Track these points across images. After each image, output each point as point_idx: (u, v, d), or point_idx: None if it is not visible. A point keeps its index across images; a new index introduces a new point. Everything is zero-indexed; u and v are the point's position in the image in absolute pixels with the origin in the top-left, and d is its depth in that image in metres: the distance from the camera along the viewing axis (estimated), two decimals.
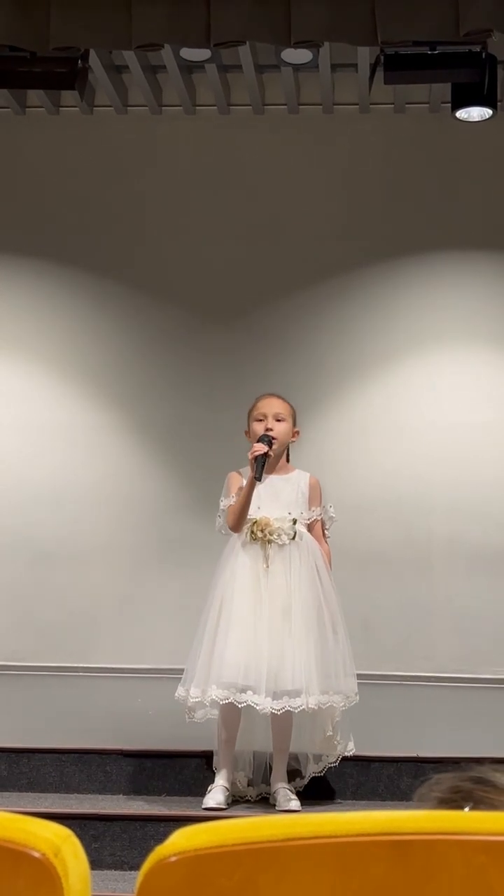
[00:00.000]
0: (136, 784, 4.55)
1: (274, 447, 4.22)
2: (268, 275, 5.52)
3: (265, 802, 4.27)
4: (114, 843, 3.91)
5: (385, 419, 5.42)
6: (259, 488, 4.18)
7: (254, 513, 4.20)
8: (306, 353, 5.46)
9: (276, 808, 4.15)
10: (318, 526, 4.30)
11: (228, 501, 4.23)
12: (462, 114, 5.07)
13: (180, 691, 4.16)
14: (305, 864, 0.80)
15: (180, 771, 4.52)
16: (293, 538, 4.19)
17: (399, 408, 5.43)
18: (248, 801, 4.30)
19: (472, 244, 5.51)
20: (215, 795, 4.12)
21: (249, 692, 3.99)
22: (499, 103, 5.09)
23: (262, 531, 4.18)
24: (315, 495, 4.31)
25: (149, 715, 5.06)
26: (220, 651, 4.06)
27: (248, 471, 4.23)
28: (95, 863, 3.65)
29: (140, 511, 5.42)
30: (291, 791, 4.20)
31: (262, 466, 4.14)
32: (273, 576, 4.14)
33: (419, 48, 4.56)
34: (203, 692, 4.06)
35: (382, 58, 4.64)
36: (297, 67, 5.28)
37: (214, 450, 5.30)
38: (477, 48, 4.65)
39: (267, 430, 4.24)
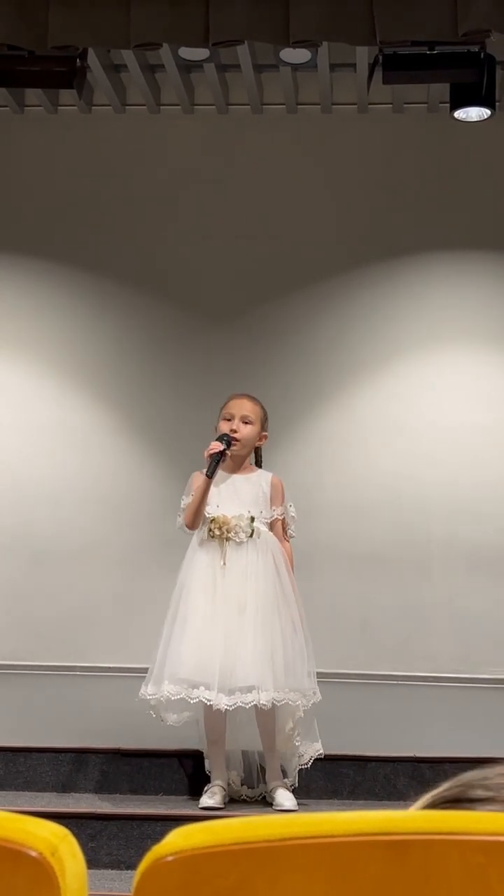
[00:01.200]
0: (133, 783, 4.55)
1: (233, 448, 4.23)
2: (266, 275, 5.52)
3: (261, 802, 4.27)
4: (110, 843, 3.91)
5: (384, 420, 5.42)
6: (220, 487, 4.20)
7: (212, 511, 4.21)
8: (305, 353, 5.46)
9: (273, 806, 4.15)
10: (279, 525, 4.32)
11: (187, 500, 4.25)
12: (460, 114, 5.07)
13: (142, 690, 4.18)
14: (302, 863, 0.79)
15: (177, 770, 4.52)
16: (251, 536, 4.20)
17: (398, 409, 5.43)
18: (244, 801, 4.30)
19: (470, 244, 5.51)
20: (213, 795, 4.13)
21: (201, 688, 4.01)
22: (497, 103, 5.09)
23: (219, 529, 4.20)
24: (277, 494, 4.33)
25: (146, 714, 5.06)
26: (174, 648, 4.08)
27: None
28: (92, 862, 3.65)
29: (137, 511, 5.42)
30: (288, 789, 4.20)
31: (216, 464, 4.16)
32: (230, 573, 4.16)
33: (418, 48, 4.56)
34: (158, 689, 4.08)
35: (381, 58, 4.63)
36: (295, 67, 5.28)
37: None
38: (475, 48, 4.65)
39: (231, 430, 4.25)
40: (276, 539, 4.28)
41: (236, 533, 4.20)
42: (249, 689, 4.03)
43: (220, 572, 4.17)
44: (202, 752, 4.37)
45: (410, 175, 5.55)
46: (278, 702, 4.08)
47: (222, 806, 4.11)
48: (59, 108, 5.67)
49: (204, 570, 4.18)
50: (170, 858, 0.81)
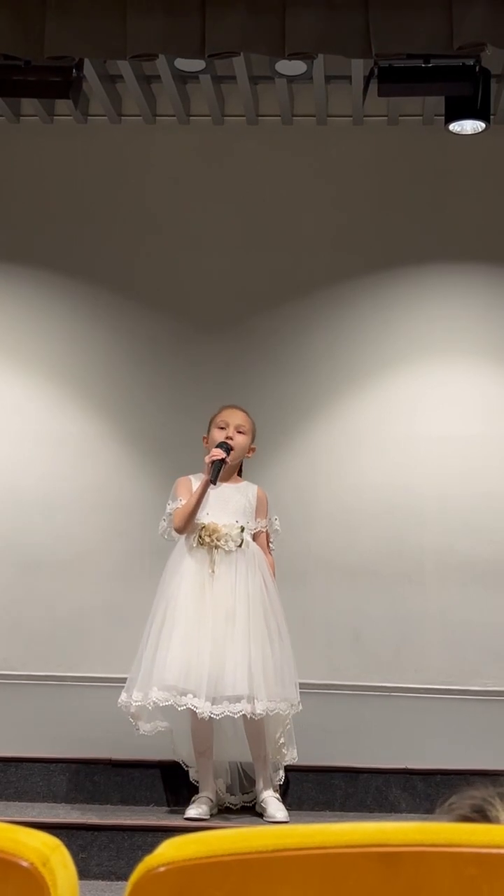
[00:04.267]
0: (124, 794, 4.54)
1: (231, 456, 4.26)
2: (260, 285, 5.53)
3: (248, 811, 4.27)
4: (101, 853, 3.90)
5: (376, 430, 5.42)
6: (209, 495, 4.21)
7: (202, 518, 4.23)
8: (298, 364, 5.47)
9: (265, 817, 4.15)
10: (262, 537, 4.35)
11: (175, 505, 4.27)
12: (455, 127, 5.09)
13: (123, 697, 4.17)
14: (295, 875, 0.79)
15: (168, 781, 4.51)
16: (240, 545, 4.22)
17: (391, 419, 5.43)
18: (230, 810, 4.29)
19: (464, 256, 5.52)
20: (199, 805, 4.12)
21: (190, 695, 4.00)
22: (492, 116, 5.10)
23: (209, 536, 4.21)
24: (262, 507, 4.36)
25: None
26: (162, 654, 4.08)
27: (199, 476, 4.28)
28: (83, 873, 3.63)
29: (130, 520, 5.41)
30: (279, 800, 4.20)
31: (218, 471, 4.18)
32: (218, 581, 4.17)
33: (413, 61, 4.58)
34: (145, 695, 4.07)
35: (376, 70, 4.65)
36: (291, 79, 5.29)
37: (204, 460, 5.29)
38: (470, 62, 4.67)
39: (227, 438, 4.28)
40: (261, 550, 4.31)
41: (226, 542, 4.21)
42: (238, 699, 4.03)
43: (209, 580, 4.17)
44: (179, 763, 4.37)
45: (405, 187, 5.57)
46: (271, 711, 4.08)
47: (208, 817, 4.11)
48: (55, 117, 5.68)
49: (192, 576, 4.18)
50: (162, 869, 0.81)
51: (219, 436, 4.32)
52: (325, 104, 5.48)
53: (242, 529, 4.26)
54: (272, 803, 4.17)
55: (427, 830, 0.82)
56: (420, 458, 5.37)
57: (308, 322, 5.50)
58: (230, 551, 4.21)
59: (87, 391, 5.50)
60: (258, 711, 4.03)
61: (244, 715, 4.04)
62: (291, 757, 4.26)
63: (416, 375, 5.46)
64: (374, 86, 4.73)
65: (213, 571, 4.18)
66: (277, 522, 4.40)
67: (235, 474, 4.40)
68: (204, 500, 4.22)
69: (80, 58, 4.69)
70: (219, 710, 4.02)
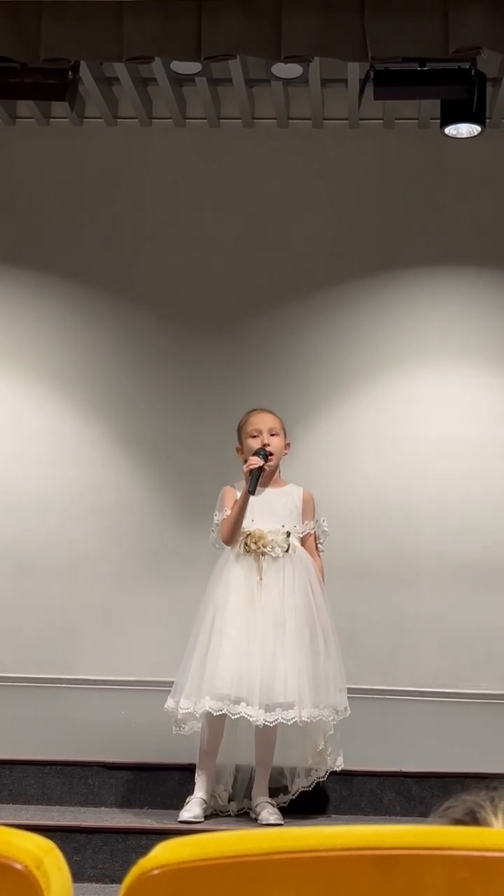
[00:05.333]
0: (119, 796, 4.53)
1: (270, 462, 4.23)
2: (256, 288, 5.53)
3: (246, 816, 4.26)
4: (95, 856, 3.89)
5: (373, 433, 5.43)
6: (253, 501, 4.18)
7: (248, 525, 4.19)
8: (294, 366, 5.47)
9: (258, 821, 4.14)
10: (311, 540, 4.31)
11: (222, 515, 4.23)
12: (451, 130, 5.09)
13: (170, 703, 4.14)
14: (289, 878, 0.79)
15: (163, 784, 4.51)
16: (287, 551, 4.19)
17: (388, 422, 5.44)
18: (228, 815, 4.28)
19: (460, 260, 5.53)
20: (192, 808, 4.11)
21: (243, 703, 3.98)
22: (487, 120, 5.11)
23: (255, 543, 4.18)
24: (308, 509, 4.32)
25: (132, 727, 5.05)
26: (212, 662, 4.05)
27: (242, 485, 4.23)
28: (77, 875, 3.62)
29: (126, 523, 5.41)
30: (273, 805, 4.19)
31: (256, 480, 4.14)
32: (266, 588, 4.14)
33: (409, 64, 4.58)
34: (195, 703, 4.05)
35: (372, 73, 4.66)
36: (287, 82, 5.30)
37: (202, 462, 5.30)
38: (466, 65, 4.68)
39: (264, 445, 4.25)
40: (308, 553, 4.28)
41: (272, 548, 4.19)
42: (291, 706, 4.01)
43: (257, 587, 4.15)
44: (187, 766, 4.35)
45: (400, 190, 5.57)
46: (315, 718, 4.08)
47: (201, 819, 4.09)
48: (51, 119, 5.68)
49: (240, 584, 4.15)
50: (156, 872, 0.81)
51: (254, 444, 4.27)
52: (320, 107, 5.48)
53: (289, 534, 4.23)
54: (266, 807, 4.16)
55: (421, 833, 0.83)
56: (417, 460, 5.37)
57: (305, 324, 5.50)
58: (277, 557, 4.19)
59: (84, 393, 5.50)
60: (304, 718, 4.03)
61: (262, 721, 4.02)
62: (337, 764, 4.24)
63: (414, 377, 5.46)
64: (369, 89, 4.73)
65: (260, 579, 4.15)
66: (325, 523, 4.36)
67: (277, 476, 4.37)
68: (249, 506, 4.19)
69: (76, 60, 4.69)
70: (272, 718, 4.01)
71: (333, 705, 4.14)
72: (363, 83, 4.84)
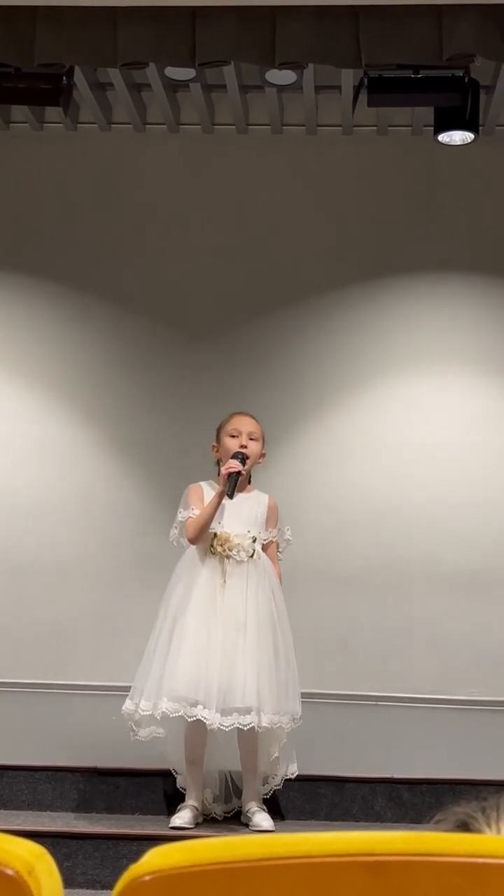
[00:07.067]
0: (110, 802, 4.52)
1: (247, 466, 4.23)
2: (249, 293, 5.53)
3: (234, 820, 4.26)
4: (86, 862, 3.88)
5: (365, 439, 5.43)
6: (223, 504, 4.19)
7: (215, 527, 4.20)
8: (287, 372, 5.47)
9: (250, 827, 4.13)
10: (272, 547, 4.33)
11: (188, 513, 4.22)
12: (444, 137, 5.11)
13: (128, 705, 4.13)
14: (280, 884, 0.79)
15: (154, 790, 4.50)
16: (251, 556, 4.20)
17: (379, 428, 5.44)
18: (215, 820, 4.28)
19: (452, 266, 5.54)
20: (183, 815, 4.10)
21: (200, 706, 3.97)
22: (481, 127, 5.13)
23: (221, 546, 4.18)
24: (272, 517, 4.34)
25: (124, 733, 5.04)
26: (172, 664, 4.04)
27: (210, 484, 4.24)
28: (67, 881, 3.62)
29: (117, 527, 5.41)
30: (265, 811, 4.18)
31: (234, 484, 4.14)
32: (229, 591, 4.14)
33: (403, 72, 4.59)
34: (154, 705, 4.04)
35: (366, 80, 4.67)
36: (281, 88, 5.31)
37: (192, 467, 5.28)
38: (460, 73, 4.69)
39: (241, 447, 4.24)
40: (269, 560, 4.29)
41: (238, 552, 4.19)
42: (248, 711, 4.00)
43: (220, 589, 4.14)
44: (170, 770, 4.35)
45: (394, 197, 5.58)
46: (275, 724, 4.07)
47: (192, 826, 4.09)
48: (45, 124, 5.68)
49: (203, 586, 4.15)
50: (147, 878, 0.81)
51: (231, 444, 4.27)
52: (314, 114, 5.49)
53: (254, 540, 4.24)
54: (258, 813, 4.16)
55: (412, 840, 0.83)
56: (409, 466, 5.37)
57: (298, 331, 5.51)
58: (242, 561, 4.19)
59: (76, 397, 5.50)
60: (263, 724, 4.02)
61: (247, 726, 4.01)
62: (291, 771, 4.24)
63: (406, 384, 5.47)
64: (363, 96, 4.74)
65: (224, 581, 4.15)
66: (289, 532, 4.37)
67: (247, 483, 4.37)
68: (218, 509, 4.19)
69: (70, 65, 4.69)
70: (228, 722, 3.99)
71: (290, 712, 4.14)
72: (357, 90, 4.85)
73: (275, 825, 4.14)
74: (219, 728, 3.98)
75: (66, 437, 5.47)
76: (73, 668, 5.24)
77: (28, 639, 5.27)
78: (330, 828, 4.38)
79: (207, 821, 4.25)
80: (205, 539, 4.18)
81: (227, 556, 4.17)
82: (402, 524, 5.33)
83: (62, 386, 5.51)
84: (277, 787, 4.29)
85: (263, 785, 4.28)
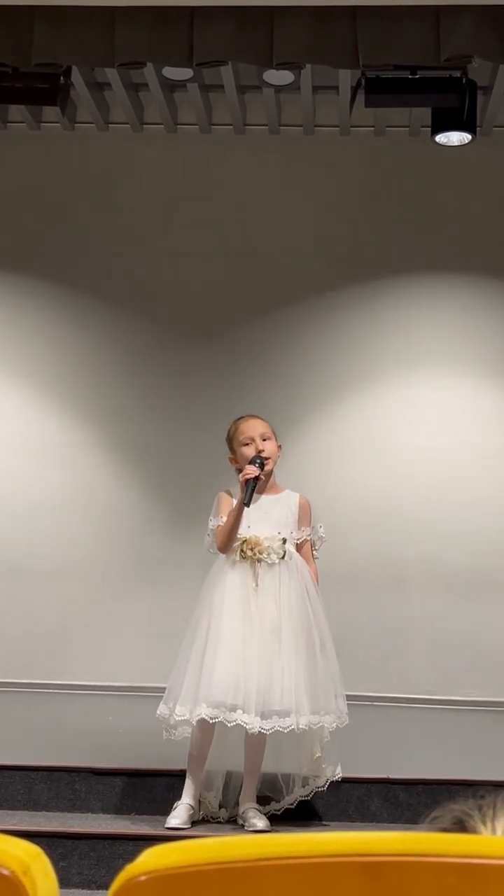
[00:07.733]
0: (106, 802, 4.52)
1: (267, 467, 4.22)
2: (247, 294, 5.53)
3: (235, 823, 4.25)
4: (82, 862, 3.88)
5: (363, 440, 5.43)
6: (251, 508, 4.16)
7: (244, 531, 4.17)
8: (285, 372, 5.47)
9: (246, 828, 4.13)
10: (307, 546, 4.30)
11: (217, 521, 4.20)
12: (441, 138, 5.11)
13: (163, 709, 4.11)
14: (277, 884, 0.79)
15: (150, 790, 4.50)
16: (283, 557, 4.18)
17: (378, 429, 5.44)
18: (218, 822, 4.27)
19: (450, 267, 5.54)
20: (178, 814, 4.09)
21: (239, 711, 3.97)
22: (478, 128, 5.13)
23: (251, 550, 4.16)
24: (305, 516, 4.31)
25: (120, 733, 5.03)
26: (208, 669, 4.02)
27: (237, 491, 4.21)
28: (63, 881, 3.61)
29: (115, 528, 5.40)
30: (261, 811, 4.17)
31: (251, 491, 4.11)
32: (262, 594, 4.13)
33: (400, 72, 4.59)
34: (191, 711, 4.02)
35: (363, 81, 4.67)
36: (278, 89, 5.31)
37: (191, 468, 5.29)
38: (457, 73, 4.69)
39: (259, 451, 4.22)
40: (303, 560, 4.26)
41: (268, 554, 4.17)
42: (287, 713, 3.99)
43: (253, 594, 4.13)
44: (175, 772, 4.34)
45: (391, 197, 5.59)
46: (314, 725, 4.06)
47: (187, 826, 4.08)
48: (43, 124, 5.68)
49: (235, 591, 4.13)
50: (143, 878, 0.80)
51: (248, 452, 4.24)
52: (312, 114, 5.49)
53: (285, 541, 4.22)
54: (253, 813, 4.15)
55: (409, 840, 0.82)
56: (406, 467, 5.37)
57: (295, 332, 5.51)
58: (273, 564, 4.17)
59: (73, 399, 5.50)
60: (301, 725, 4.01)
61: (251, 728, 4.00)
62: (334, 773, 4.21)
63: (404, 385, 5.47)
64: (361, 96, 4.74)
65: (256, 585, 4.14)
66: (322, 530, 4.34)
67: (273, 482, 4.34)
68: (245, 512, 4.16)
69: (68, 65, 4.69)
70: (269, 726, 3.99)
71: (333, 712, 4.12)
72: (354, 90, 4.85)
73: (270, 826, 4.14)
74: (260, 731, 3.97)
75: (66, 438, 5.47)
76: (70, 668, 5.24)
77: (25, 639, 5.26)
78: (326, 828, 4.37)
79: (204, 821, 4.25)
80: (234, 545, 4.18)
81: (258, 560, 4.15)
82: (401, 524, 5.33)
83: (62, 386, 5.50)
84: (321, 790, 4.26)
85: (304, 787, 4.26)
